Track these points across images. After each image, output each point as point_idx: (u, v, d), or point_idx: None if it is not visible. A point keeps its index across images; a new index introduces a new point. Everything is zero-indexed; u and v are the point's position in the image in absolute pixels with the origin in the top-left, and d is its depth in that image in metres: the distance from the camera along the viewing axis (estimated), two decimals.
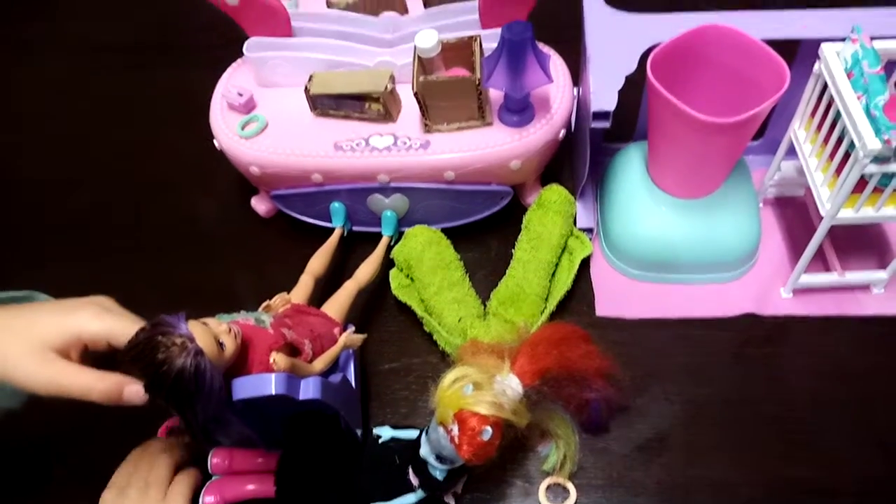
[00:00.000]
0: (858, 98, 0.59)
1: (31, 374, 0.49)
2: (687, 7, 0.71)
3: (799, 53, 0.71)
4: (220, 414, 0.51)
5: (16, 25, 1.17)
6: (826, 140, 0.64)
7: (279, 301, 0.64)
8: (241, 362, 0.52)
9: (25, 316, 0.51)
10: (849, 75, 0.61)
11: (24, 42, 1.13)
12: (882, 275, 0.72)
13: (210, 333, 0.49)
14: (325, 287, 0.72)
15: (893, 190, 0.61)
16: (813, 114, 0.66)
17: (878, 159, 0.57)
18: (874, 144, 0.56)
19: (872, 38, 0.62)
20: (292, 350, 0.56)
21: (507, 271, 0.75)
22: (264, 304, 0.63)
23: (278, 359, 0.53)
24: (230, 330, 0.51)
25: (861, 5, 0.71)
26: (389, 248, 0.77)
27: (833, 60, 0.62)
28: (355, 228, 0.80)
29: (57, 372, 0.49)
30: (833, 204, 0.62)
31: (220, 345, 0.49)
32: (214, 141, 0.76)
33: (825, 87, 0.63)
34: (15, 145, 0.99)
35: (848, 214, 0.63)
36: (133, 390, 0.49)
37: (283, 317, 0.60)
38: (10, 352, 0.49)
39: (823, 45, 0.63)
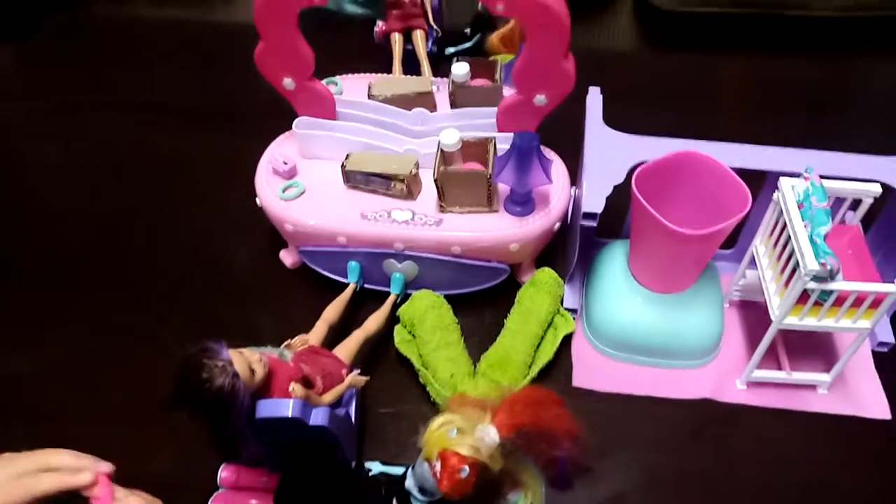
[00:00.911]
0: (805, 226, 0.71)
1: None
2: (674, 134, 0.84)
3: (767, 181, 0.83)
4: (244, 429, 0.60)
5: (83, 82, 1.30)
6: (779, 257, 0.75)
7: (298, 341, 0.75)
8: (265, 387, 0.62)
9: None
10: (800, 206, 0.72)
11: (90, 102, 1.26)
12: (825, 377, 0.82)
13: (245, 360, 0.59)
14: (337, 333, 0.82)
15: (832, 304, 0.72)
16: (771, 233, 0.78)
17: (817, 278, 0.68)
18: (813, 266, 0.67)
19: (823, 177, 0.74)
20: (307, 382, 0.67)
21: (498, 338, 0.85)
22: (286, 343, 0.73)
23: (296, 388, 0.63)
24: (261, 359, 0.61)
25: (821, 147, 0.83)
26: (395, 305, 0.88)
27: (788, 192, 0.73)
28: (367, 286, 0.91)
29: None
30: (780, 311, 0.73)
31: (252, 371, 0.60)
32: (257, 199, 0.88)
33: (781, 212, 0.75)
34: (76, 191, 1.11)
35: (793, 321, 0.74)
36: None
37: (301, 354, 0.70)
38: None
39: (782, 179, 0.75)
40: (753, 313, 0.90)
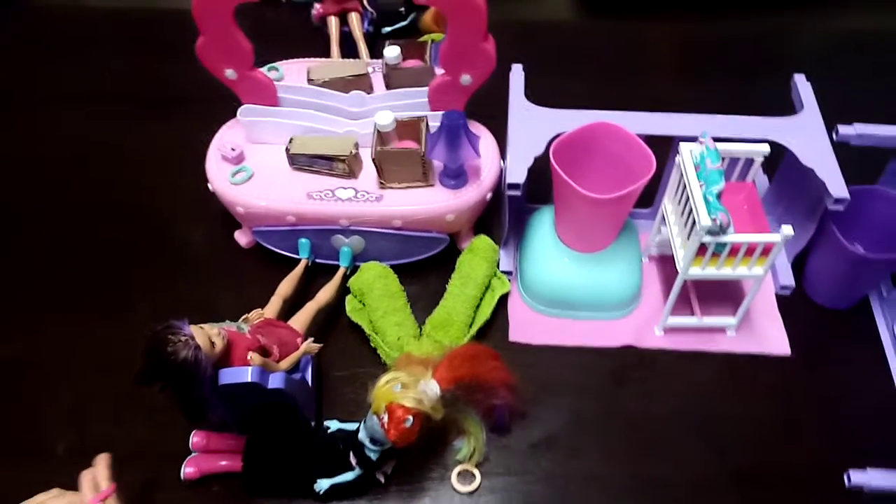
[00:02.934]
0: (700, 186, 0.79)
1: None
2: (598, 103, 0.91)
3: (672, 147, 0.92)
4: (209, 396, 0.67)
5: (29, 75, 1.32)
6: (682, 214, 0.84)
7: (255, 314, 0.81)
8: (226, 358, 0.69)
9: None
10: (697, 168, 0.81)
11: (38, 94, 1.28)
12: (732, 320, 0.92)
13: (206, 334, 0.66)
14: (292, 306, 0.88)
15: (728, 255, 0.81)
16: (675, 193, 0.86)
17: (711, 232, 0.77)
18: (706, 221, 0.76)
19: (717, 140, 0.83)
20: (264, 352, 0.74)
21: (441, 302, 0.93)
22: (244, 317, 0.80)
23: (254, 356, 0.70)
24: (220, 333, 0.68)
25: (745, 109, 0.92)
26: (345, 277, 0.95)
27: (686, 156, 0.82)
28: (318, 261, 0.98)
29: None
30: (684, 263, 0.82)
31: (213, 343, 0.67)
32: (209, 185, 0.93)
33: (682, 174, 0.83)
34: (32, 183, 1.14)
35: (696, 271, 0.83)
36: None
37: (258, 327, 0.77)
38: None
39: (681, 144, 0.83)
40: (670, 266, 0.99)
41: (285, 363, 0.75)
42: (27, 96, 1.28)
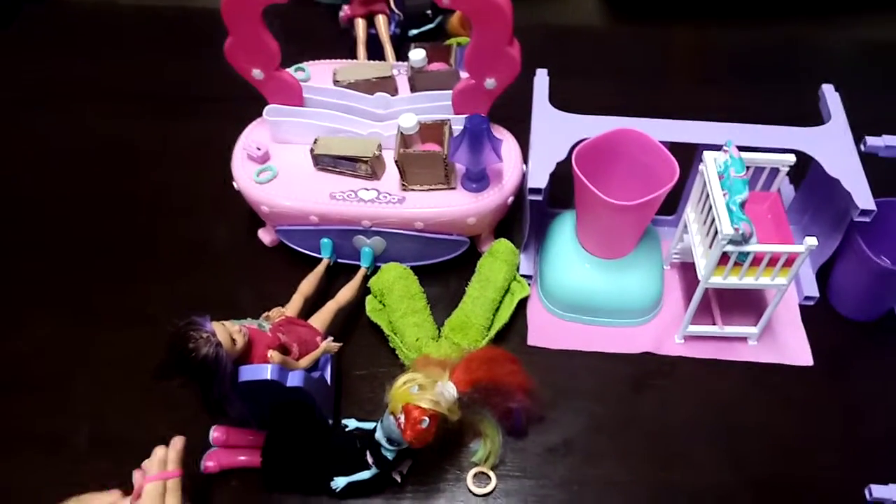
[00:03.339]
0: (724, 195, 0.79)
1: None
2: (623, 108, 0.91)
3: (696, 154, 0.91)
4: (229, 392, 0.68)
5: (61, 71, 1.35)
6: (704, 222, 0.83)
7: (276, 313, 0.82)
8: (246, 355, 0.71)
9: None
10: (720, 177, 0.81)
11: (68, 90, 1.31)
12: (754, 329, 0.91)
13: (227, 331, 0.67)
14: (313, 305, 0.89)
15: (750, 264, 0.80)
16: (698, 202, 0.86)
17: (733, 242, 0.77)
18: (728, 230, 0.75)
19: (742, 149, 0.82)
20: (284, 350, 0.75)
21: (460, 304, 0.93)
22: (264, 315, 0.81)
23: (274, 354, 0.71)
24: (241, 330, 0.69)
25: (768, 115, 0.92)
26: (366, 277, 0.95)
27: (710, 164, 0.82)
28: (340, 260, 0.99)
29: None
30: (706, 271, 0.82)
31: (234, 341, 0.68)
32: (234, 183, 0.95)
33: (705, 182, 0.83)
34: (59, 177, 1.16)
35: (718, 280, 0.83)
36: None
37: (279, 325, 0.78)
38: None
39: (705, 152, 0.83)
40: (692, 274, 0.98)
41: (304, 361, 0.76)
42: (56, 92, 1.30)
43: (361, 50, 1.18)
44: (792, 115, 0.95)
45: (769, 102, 1.21)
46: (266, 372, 0.68)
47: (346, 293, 0.91)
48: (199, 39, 1.22)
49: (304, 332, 0.80)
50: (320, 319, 0.85)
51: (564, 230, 0.95)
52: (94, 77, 1.33)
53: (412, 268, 0.96)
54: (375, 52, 1.19)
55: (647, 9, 1.68)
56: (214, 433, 0.81)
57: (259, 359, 0.71)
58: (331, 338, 0.83)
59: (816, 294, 0.96)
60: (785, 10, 1.61)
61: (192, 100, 1.26)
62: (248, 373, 0.68)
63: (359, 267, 0.96)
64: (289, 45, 0.92)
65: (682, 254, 0.98)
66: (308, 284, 0.90)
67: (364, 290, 0.95)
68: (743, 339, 0.93)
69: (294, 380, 0.71)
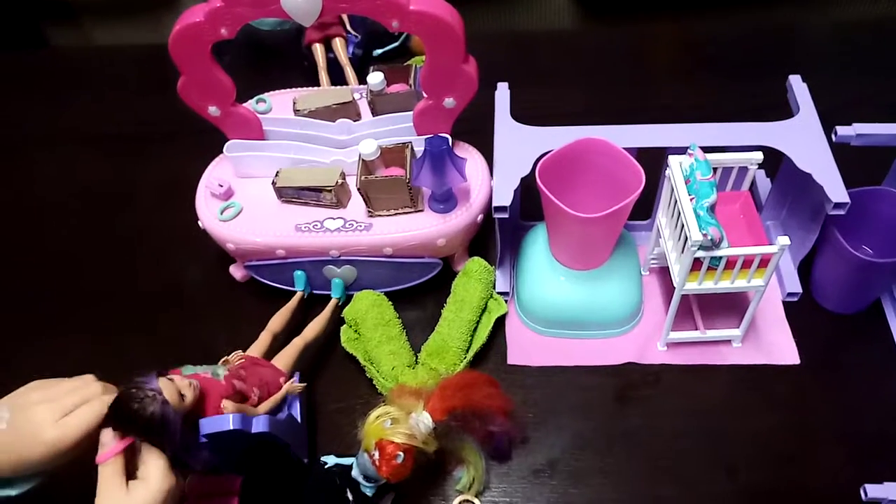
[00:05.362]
0: (691, 200, 0.77)
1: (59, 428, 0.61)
2: (582, 118, 0.89)
3: (665, 157, 0.89)
4: (187, 446, 0.66)
5: (22, 115, 1.33)
6: (675, 227, 0.82)
7: (234, 357, 0.80)
8: (199, 407, 0.69)
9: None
10: (687, 181, 0.79)
11: (31, 132, 1.30)
12: (737, 332, 0.89)
13: (174, 387, 0.65)
14: (286, 340, 0.87)
15: (724, 268, 0.78)
16: (668, 207, 0.84)
17: (704, 247, 0.75)
18: (697, 236, 0.73)
19: (711, 149, 0.80)
20: (242, 397, 0.73)
21: (436, 328, 0.91)
22: (223, 360, 0.79)
23: (227, 404, 0.70)
24: (190, 384, 0.67)
25: (750, 110, 0.90)
26: (339, 308, 0.94)
27: (676, 168, 0.80)
28: (316, 292, 0.97)
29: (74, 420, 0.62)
30: (680, 278, 0.80)
31: (182, 396, 0.65)
32: (199, 222, 0.93)
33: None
34: (29, 224, 1.15)
35: (693, 286, 0.81)
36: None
37: (239, 368, 0.76)
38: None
39: (670, 157, 0.81)
40: (671, 279, 0.97)
41: (264, 406, 0.74)
42: (21, 137, 1.29)
43: (323, 75, 1.17)
44: (766, 106, 0.93)
45: (742, 95, 1.20)
46: (227, 422, 0.67)
47: (314, 328, 0.89)
48: (165, 76, 1.21)
49: (266, 373, 0.78)
50: (284, 358, 0.83)
51: (537, 244, 0.93)
52: (60, 121, 1.32)
53: (387, 293, 0.94)
54: (338, 76, 1.18)
55: (617, 5, 1.66)
56: (189, 481, 0.79)
57: (213, 410, 0.69)
58: (294, 378, 0.81)
59: (799, 290, 0.94)
60: None
61: (158, 138, 1.25)
62: (210, 425, 0.67)
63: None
64: (251, 77, 0.90)
65: (659, 259, 0.96)
66: (278, 321, 0.88)
67: (339, 321, 0.93)
68: (727, 341, 0.91)
69: (259, 425, 0.69)
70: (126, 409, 0.61)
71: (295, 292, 0.95)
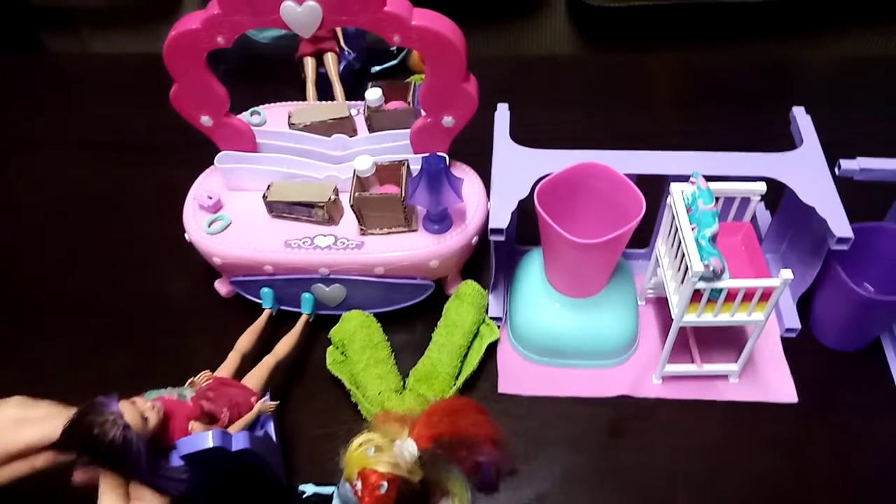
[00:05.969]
0: (693, 229, 0.75)
1: None
2: (583, 142, 0.87)
3: (666, 184, 0.87)
4: (154, 472, 0.62)
5: (10, 120, 1.31)
6: (675, 257, 0.79)
7: (202, 377, 0.76)
8: (164, 430, 0.65)
9: None
10: (689, 210, 0.77)
11: (24, 139, 1.27)
12: (734, 367, 0.87)
13: (136, 410, 0.61)
14: (254, 360, 0.83)
15: (725, 300, 0.76)
16: (668, 235, 0.82)
17: (705, 278, 0.73)
18: (698, 267, 0.71)
19: (714, 178, 0.79)
20: (211, 418, 0.70)
21: (426, 352, 0.88)
22: (190, 380, 0.75)
23: (195, 425, 0.67)
24: (154, 406, 0.64)
25: (750, 139, 0.88)
26: (308, 324, 0.90)
27: (677, 196, 0.78)
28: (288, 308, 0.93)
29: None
30: (678, 309, 0.78)
31: (145, 419, 0.62)
32: (186, 235, 0.90)
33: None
34: (16, 231, 1.12)
35: (692, 318, 0.78)
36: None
37: (207, 389, 0.72)
38: None
39: (672, 184, 0.79)
40: (668, 309, 0.94)
41: (235, 427, 0.70)
42: (8, 144, 1.27)
43: (311, 89, 1.15)
44: (771, 136, 0.92)
45: (744, 126, 1.19)
46: (207, 440, 0.63)
47: (284, 345, 0.85)
48: (157, 84, 1.19)
49: (236, 393, 0.74)
50: (255, 377, 0.79)
51: (533, 269, 0.91)
52: (50, 129, 1.29)
53: (376, 314, 0.91)
54: (328, 91, 1.16)
55: (620, 34, 1.66)
56: None
57: (179, 433, 0.65)
58: (266, 397, 0.78)
59: (798, 326, 0.92)
60: (758, 31, 1.60)
61: (149, 148, 1.23)
62: (188, 445, 0.63)
63: (331, 317, 0.91)
64: (246, 90, 0.88)
65: (656, 289, 0.94)
66: (246, 340, 0.84)
67: (313, 339, 0.90)
68: (724, 376, 0.89)
69: (239, 442, 0.66)
70: (84, 435, 0.58)
71: (281, 309, 0.92)
